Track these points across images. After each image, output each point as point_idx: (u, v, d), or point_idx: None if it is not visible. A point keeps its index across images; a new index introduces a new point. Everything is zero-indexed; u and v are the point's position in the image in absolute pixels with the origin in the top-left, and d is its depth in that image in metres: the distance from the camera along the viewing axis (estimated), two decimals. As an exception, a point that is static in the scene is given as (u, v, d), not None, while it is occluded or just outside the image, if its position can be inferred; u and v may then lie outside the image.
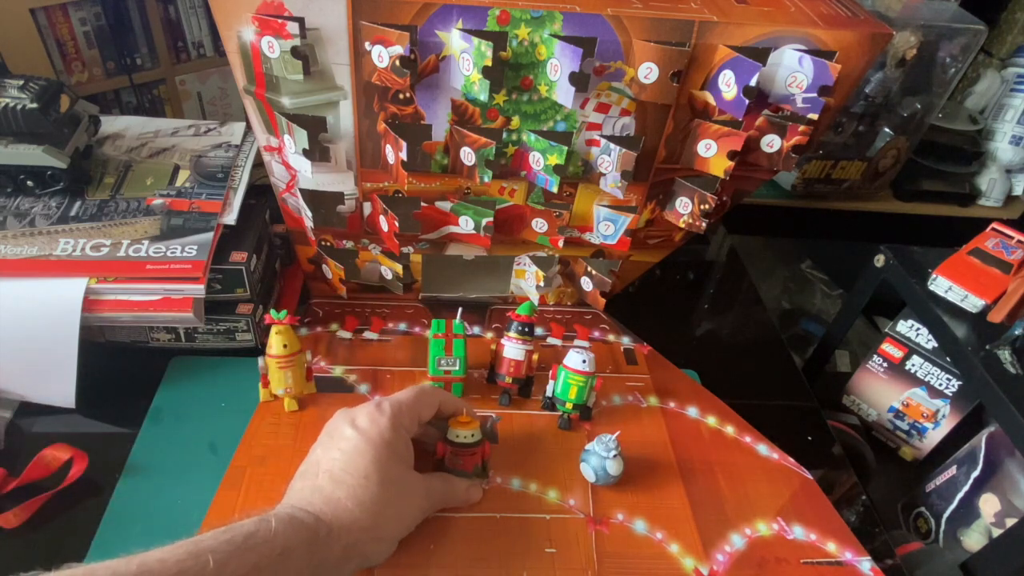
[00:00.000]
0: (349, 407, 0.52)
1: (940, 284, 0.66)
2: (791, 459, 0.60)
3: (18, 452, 0.54)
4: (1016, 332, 0.61)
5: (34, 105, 0.58)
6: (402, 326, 0.69)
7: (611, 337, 0.71)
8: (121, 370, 0.61)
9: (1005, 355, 0.60)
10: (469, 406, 0.53)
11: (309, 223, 0.62)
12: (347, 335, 0.67)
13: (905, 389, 0.76)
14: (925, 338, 0.73)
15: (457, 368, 0.58)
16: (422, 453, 0.50)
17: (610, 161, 0.57)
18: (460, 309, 0.60)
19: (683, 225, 0.63)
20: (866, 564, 0.53)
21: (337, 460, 0.43)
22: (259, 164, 0.63)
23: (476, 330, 0.70)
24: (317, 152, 0.54)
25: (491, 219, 0.59)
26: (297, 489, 0.43)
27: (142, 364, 0.61)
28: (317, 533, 0.39)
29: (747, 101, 0.51)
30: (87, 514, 0.50)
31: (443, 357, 0.58)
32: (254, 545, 0.36)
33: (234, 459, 0.54)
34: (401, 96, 0.53)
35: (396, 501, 0.44)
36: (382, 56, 0.50)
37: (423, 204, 0.59)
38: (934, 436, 0.75)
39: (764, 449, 0.61)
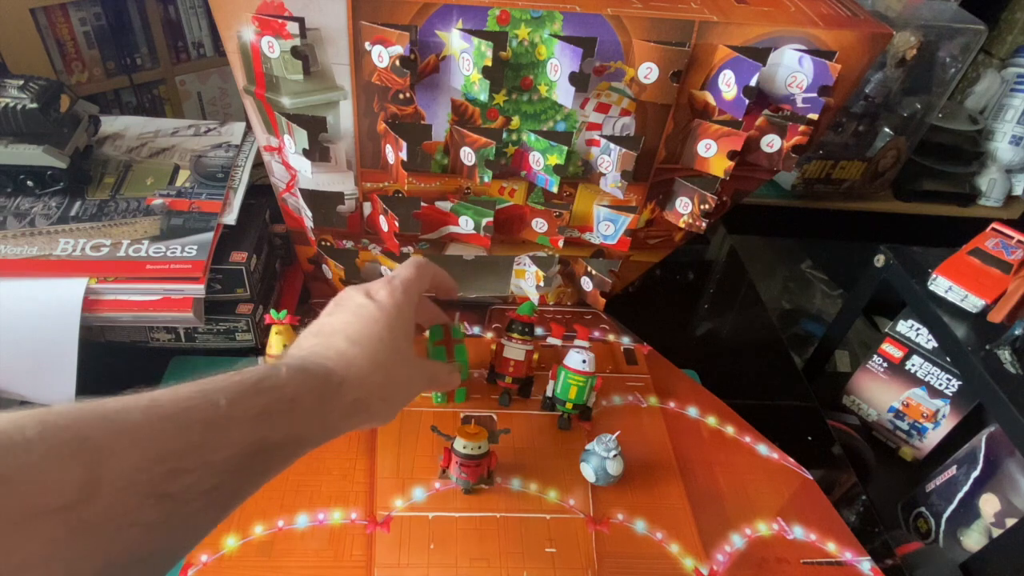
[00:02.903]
0: None
1: (940, 284, 0.66)
2: (791, 459, 0.60)
3: (18, 452, 0.53)
4: (1016, 332, 0.61)
5: (34, 105, 0.58)
6: (402, 326, 0.69)
7: (611, 337, 0.71)
8: (121, 370, 0.61)
9: (1005, 355, 0.60)
10: (451, 281, 0.54)
11: (309, 223, 0.62)
12: (347, 335, 0.67)
13: (905, 389, 0.76)
14: (925, 338, 0.73)
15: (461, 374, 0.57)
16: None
17: (610, 161, 0.57)
18: (458, 313, 0.59)
19: (683, 225, 0.63)
20: (866, 564, 0.53)
21: (352, 323, 0.43)
22: (259, 164, 0.63)
23: (476, 330, 0.70)
24: (317, 152, 0.54)
25: (491, 219, 0.59)
26: (309, 345, 0.42)
27: (142, 364, 0.61)
28: (328, 384, 0.39)
29: (747, 101, 0.51)
30: (87, 514, 0.50)
31: (444, 364, 0.56)
32: (264, 390, 0.35)
33: (234, 459, 0.54)
34: (401, 96, 0.53)
35: (402, 370, 0.44)
36: (382, 56, 0.50)
37: (423, 204, 0.59)
38: (934, 436, 0.75)
39: (764, 449, 0.61)
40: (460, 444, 0.51)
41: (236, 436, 0.32)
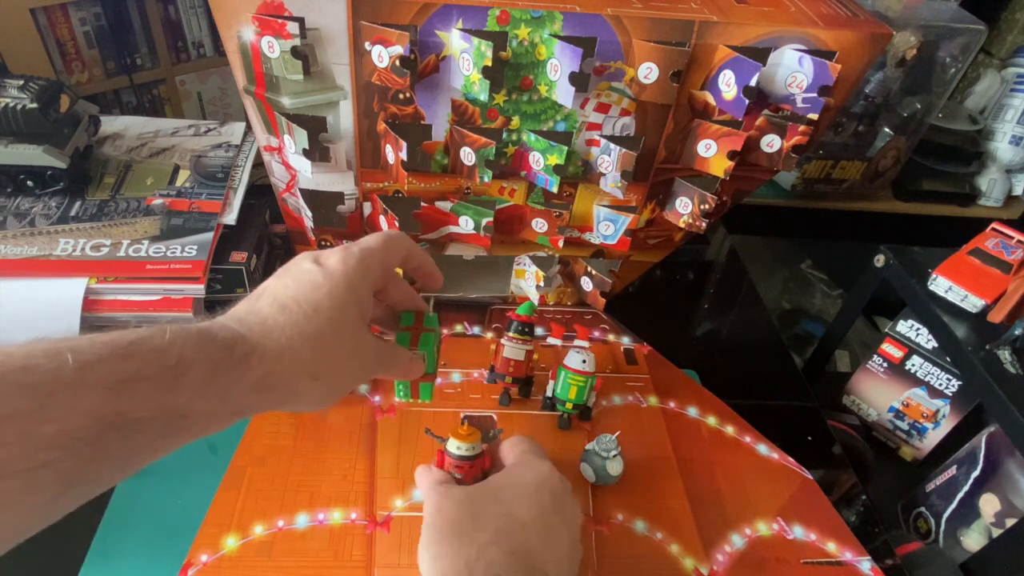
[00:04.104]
0: (347, 409, 0.51)
1: (940, 284, 0.67)
2: (791, 459, 0.60)
3: (18, 452, 0.53)
4: (1016, 332, 0.61)
5: (34, 105, 0.58)
6: (402, 326, 0.69)
7: (611, 337, 0.71)
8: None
9: (1005, 355, 0.60)
10: (435, 267, 0.48)
11: (309, 223, 0.62)
12: (347, 335, 0.67)
13: (905, 389, 0.76)
14: (925, 338, 0.73)
15: (424, 364, 0.51)
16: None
17: (610, 161, 0.57)
18: (432, 300, 0.54)
19: (683, 225, 0.63)
20: (866, 564, 0.53)
21: (289, 287, 0.38)
22: (259, 164, 0.63)
23: (476, 330, 0.70)
24: (317, 152, 0.54)
25: (491, 219, 0.59)
26: (232, 310, 0.37)
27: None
28: (231, 351, 0.33)
29: (747, 101, 0.51)
30: (87, 514, 0.50)
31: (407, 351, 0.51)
32: (137, 352, 0.29)
33: (234, 459, 0.54)
34: (401, 96, 0.53)
35: (344, 345, 0.39)
36: (382, 56, 0.50)
37: (423, 204, 0.59)
38: (934, 436, 0.75)
39: (764, 449, 0.61)
40: (454, 445, 0.49)
41: (80, 405, 0.27)
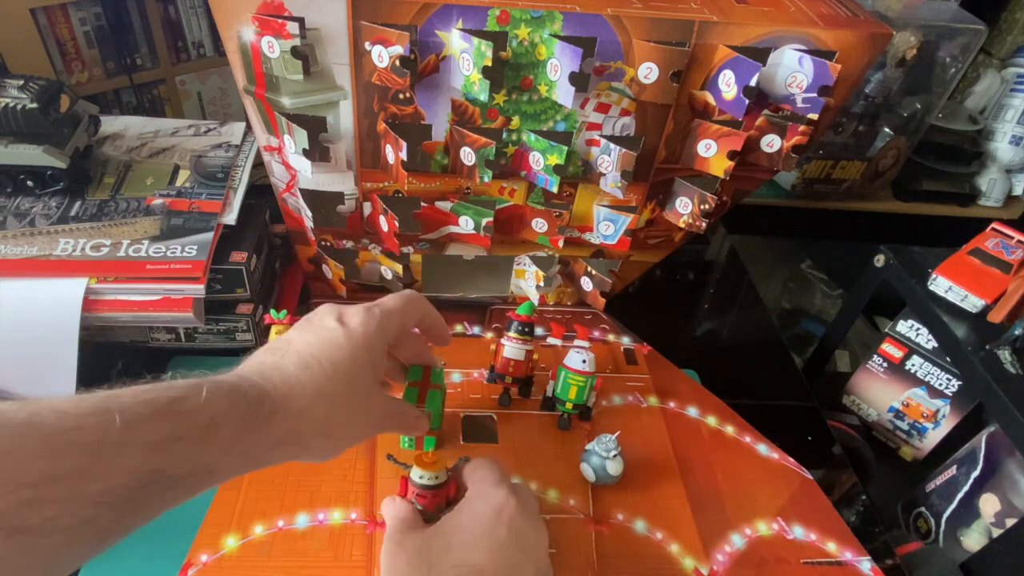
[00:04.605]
0: None
1: (940, 284, 0.66)
2: (791, 459, 0.60)
3: (18, 452, 0.53)
4: (1016, 332, 0.61)
5: (34, 105, 0.58)
6: (402, 326, 0.69)
7: (611, 337, 0.71)
8: (121, 370, 0.61)
9: (1005, 355, 0.60)
10: (443, 322, 0.49)
11: (309, 223, 0.62)
12: (347, 335, 0.67)
13: (905, 389, 0.76)
14: (925, 338, 0.73)
15: (430, 421, 0.53)
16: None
17: (610, 161, 0.57)
18: (440, 358, 0.55)
19: (683, 225, 0.63)
20: (866, 564, 0.53)
21: (312, 344, 0.39)
22: (259, 164, 0.63)
23: (476, 330, 0.70)
24: (317, 152, 0.54)
25: (491, 219, 0.59)
26: (257, 362, 0.38)
27: (142, 364, 0.61)
28: (259, 410, 0.34)
29: (747, 101, 0.51)
30: (87, 514, 0.50)
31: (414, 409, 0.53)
32: (176, 412, 0.31)
33: (234, 459, 0.54)
34: (401, 96, 0.53)
35: (357, 405, 0.40)
36: (382, 56, 0.50)
37: (423, 204, 0.59)
38: (934, 436, 0.75)
39: (764, 449, 0.61)
40: (416, 474, 0.48)
41: (124, 464, 0.28)
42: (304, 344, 0.39)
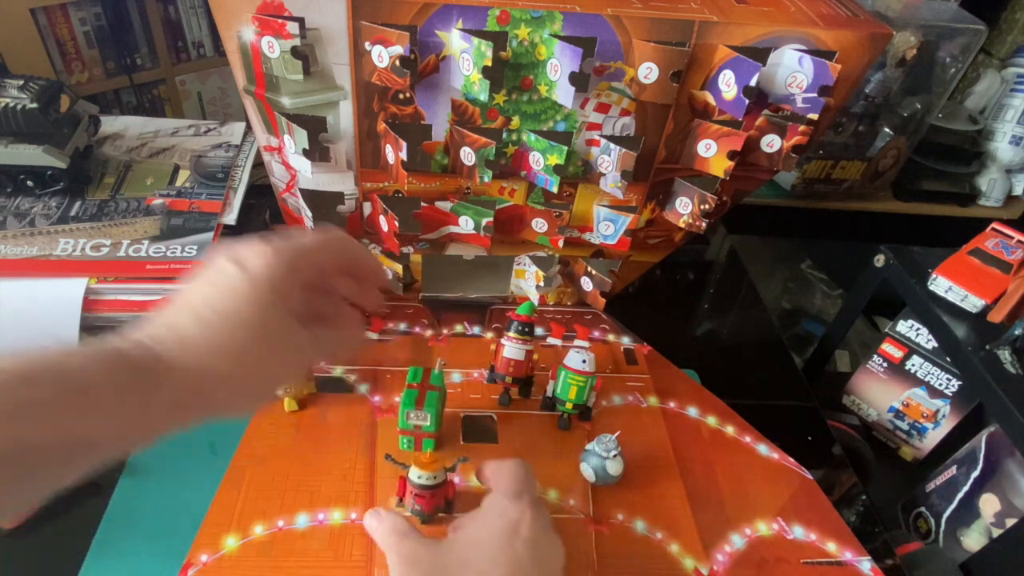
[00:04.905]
0: (347, 409, 0.50)
1: (940, 284, 0.67)
2: (791, 459, 0.60)
3: (18, 452, 0.53)
4: (1016, 332, 0.61)
5: (34, 105, 0.58)
6: (402, 326, 0.69)
7: (611, 337, 0.71)
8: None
9: (1005, 355, 0.60)
10: (382, 269, 0.45)
11: (309, 223, 0.62)
12: (347, 335, 0.67)
13: (905, 389, 0.76)
14: (925, 338, 0.73)
15: (428, 423, 0.53)
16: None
17: (610, 161, 0.57)
18: (440, 360, 0.55)
19: (683, 225, 0.63)
20: (866, 564, 0.53)
21: (208, 295, 0.35)
22: (259, 164, 0.63)
23: (476, 330, 0.70)
24: (317, 152, 0.54)
25: (491, 219, 0.59)
26: (149, 322, 0.35)
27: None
28: (146, 375, 0.31)
29: (747, 101, 0.51)
30: (87, 514, 0.50)
31: (412, 410, 0.53)
32: (41, 377, 0.28)
33: (234, 459, 0.54)
34: (401, 96, 0.53)
35: (272, 356, 0.36)
36: (382, 56, 0.50)
37: (423, 204, 0.59)
38: (934, 436, 0.75)
39: (764, 449, 0.61)
40: (415, 474, 0.48)
41: None
42: (199, 297, 0.35)
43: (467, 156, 0.55)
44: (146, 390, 0.31)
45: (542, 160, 0.56)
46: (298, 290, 0.38)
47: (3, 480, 0.27)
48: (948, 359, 0.71)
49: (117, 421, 0.31)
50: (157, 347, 0.33)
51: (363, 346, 0.44)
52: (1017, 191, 1.22)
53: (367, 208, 0.61)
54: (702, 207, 0.61)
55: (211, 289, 0.35)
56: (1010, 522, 0.61)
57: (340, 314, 0.43)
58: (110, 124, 0.72)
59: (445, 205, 0.61)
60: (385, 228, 0.62)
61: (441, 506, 0.51)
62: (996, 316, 0.63)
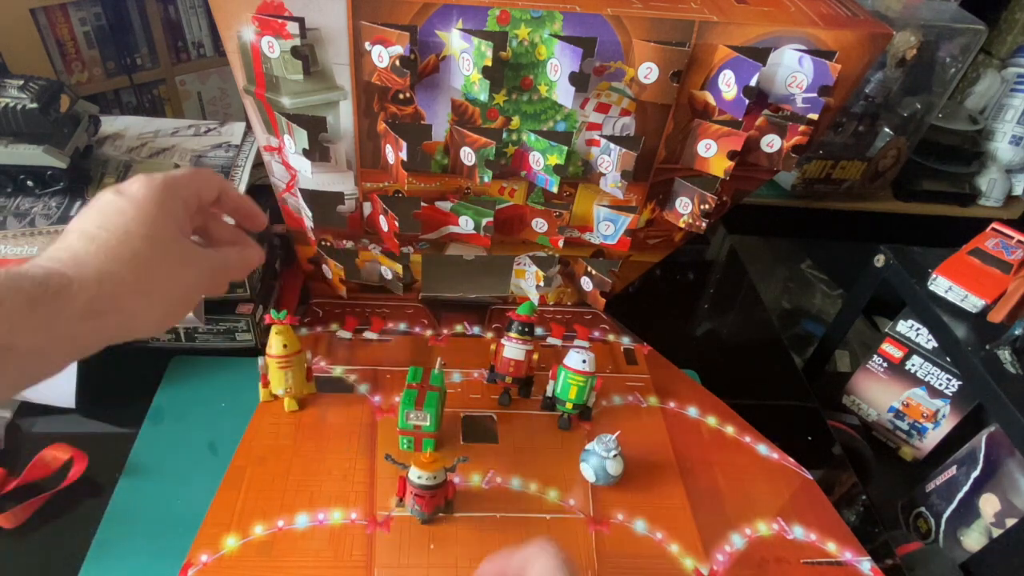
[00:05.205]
0: (347, 409, 0.50)
1: (940, 284, 0.66)
2: (791, 459, 0.60)
3: (18, 452, 0.54)
4: (1016, 332, 0.61)
5: (34, 105, 0.58)
6: (402, 326, 0.69)
7: (611, 337, 0.71)
8: (121, 370, 0.61)
9: (1005, 355, 0.60)
10: (256, 208, 0.47)
11: (309, 223, 0.62)
12: (347, 335, 0.67)
13: (905, 389, 0.76)
14: (925, 338, 0.73)
15: (428, 424, 0.54)
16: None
17: (610, 161, 0.57)
18: (440, 360, 0.56)
19: (683, 225, 0.63)
20: (866, 564, 0.53)
21: (94, 218, 0.38)
22: (259, 164, 0.63)
23: (476, 330, 0.70)
24: (317, 152, 0.54)
25: (491, 219, 0.59)
26: (46, 248, 0.37)
27: (142, 364, 0.61)
28: (47, 285, 0.34)
29: (747, 101, 0.51)
30: (87, 514, 0.50)
31: (412, 411, 0.53)
32: None
33: (234, 459, 0.54)
34: (401, 96, 0.53)
35: (168, 258, 0.39)
36: (382, 56, 0.50)
37: (423, 204, 0.59)
38: (934, 436, 0.75)
39: (764, 449, 0.61)
40: (415, 474, 0.48)
41: None
42: (86, 221, 0.38)
43: (467, 156, 0.55)
44: (53, 299, 0.34)
45: (542, 160, 0.56)
46: (183, 211, 0.41)
47: None
48: (948, 359, 0.71)
49: (32, 331, 0.33)
50: (55, 264, 0.35)
51: (253, 265, 0.47)
52: (1017, 191, 1.22)
53: (367, 208, 0.61)
54: (702, 207, 0.61)
55: (97, 214, 0.38)
56: (1010, 522, 0.61)
57: (232, 235, 0.46)
58: (110, 124, 0.72)
59: (445, 205, 0.61)
60: (385, 228, 0.62)
61: (441, 506, 0.51)
62: (996, 316, 0.63)
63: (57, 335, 0.34)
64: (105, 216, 0.38)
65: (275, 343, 0.55)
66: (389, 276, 0.68)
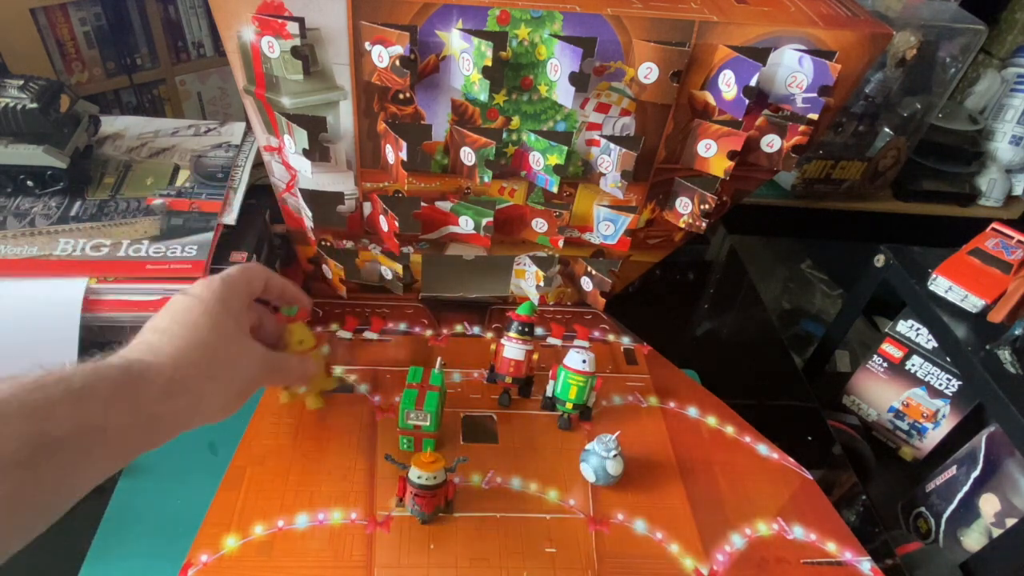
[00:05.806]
0: (347, 409, 0.50)
1: (940, 284, 0.66)
2: (791, 459, 0.60)
3: (18, 452, 0.53)
4: (1016, 332, 0.61)
5: (34, 105, 0.58)
6: (402, 326, 0.69)
7: (611, 337, 0.71)
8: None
9: (1005, 355, 0.60)
10: (300, 292, 0.53)
11: (309, 223, 0.62)
12: (347, 335, 0.67)
13: (905, 389, 0.76)
14: (925, 338, 0.73)
15: (428, 424, 0.53)
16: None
17: (610, 161, 0.57)
18: (440, 359, 0.56)
19: (683, 225, 0.63)
20: (866, 564, 0.53)
21: (163, 316, 0.43)
22: (259, 164, 0.63)
23: (476, 330, 0.70)
24: (317, 152, 0.54)
25: (491, 219, 0.59)
26: (120, 347, 0.41)
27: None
28: (129, 371, 0.37)
29: (747, 101, 0.51)
30: (87, 514, 0.50)
31: (412, 411, 0.53)
32: (43, 384, 0.34)
33: (234, 459, 0.54)
34: (401, 96, 0.53)
35: (230, 348, 0.44)
36: (382, 56, 0.50)
37: (423, 204, 0.59)
38: (934, 436, 0.75)
39: (764, 449, 0.61)
40: (415, 474, 0.48)
41: (9, 431, 0.31)
42: (157, 320, 0.43)
43: (467, 156, 0.55)
44: (136, 381, 0.38)
45: (542, 160, 0.56)
46: (240, 304, 0.46)
47: (37, 469, 0.32)
48: (948, 359, 0.71)
49: (121, 410, 0.36)
50: (132, 355, 0.39)
51: (308, 376, 0.53)
52: (1017, 191, 1.22)
53: (367, 208, 0.61)
54: (702, 207, 0.61)
55: (167, 312, 0.43)
56: (1010, 522, 0.61)
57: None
58: (110, 124, 0.72)
59: (445, 205, 0.61)
60: (385, 228, 0.62)
61: (441, 506, 0.51)
62: (996, 316, 0.63)
63: (140, 416, 0.37)
64: (175, 313, 0.43)
65: (289, 341, 0.53)
66: (389, 276, 0.68)
